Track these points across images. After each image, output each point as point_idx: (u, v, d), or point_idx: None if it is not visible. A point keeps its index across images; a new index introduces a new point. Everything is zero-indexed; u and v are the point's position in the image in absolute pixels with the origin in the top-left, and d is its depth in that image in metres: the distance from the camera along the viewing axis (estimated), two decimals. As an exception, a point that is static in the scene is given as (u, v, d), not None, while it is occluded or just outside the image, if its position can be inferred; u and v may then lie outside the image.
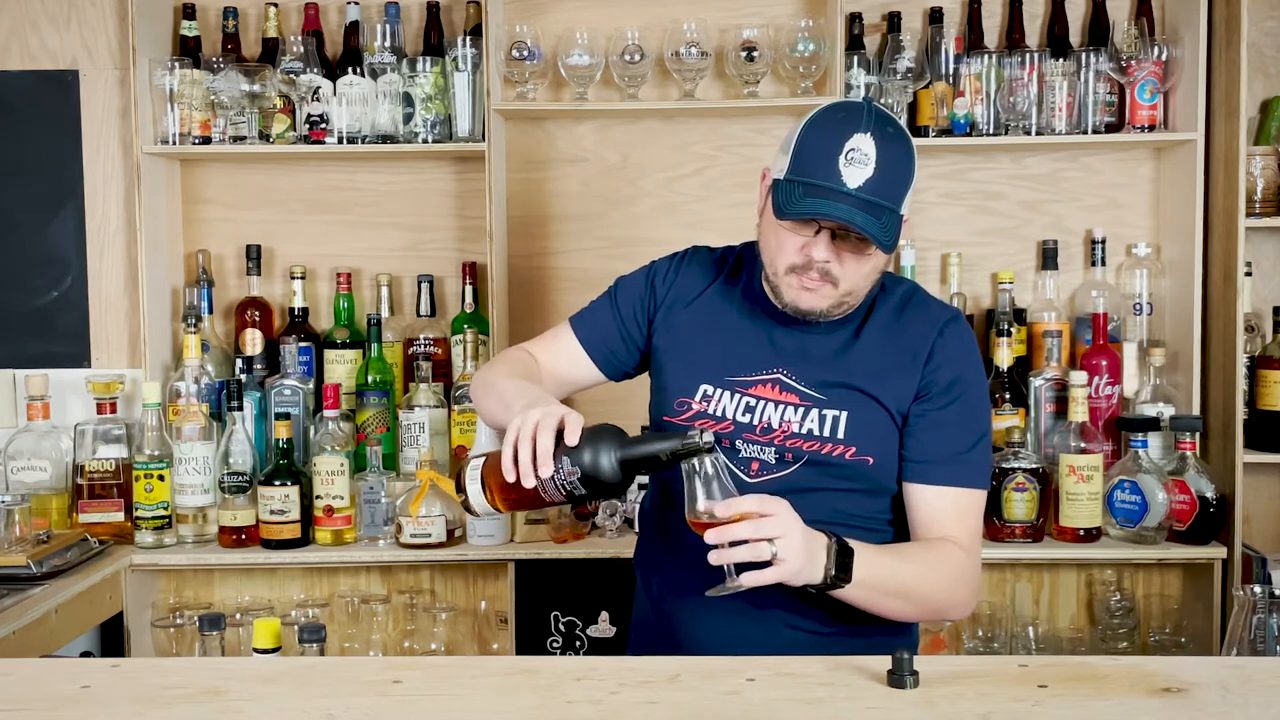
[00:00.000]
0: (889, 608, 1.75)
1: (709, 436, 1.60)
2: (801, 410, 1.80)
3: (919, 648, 1.98)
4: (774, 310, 1.84)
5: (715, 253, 1.98)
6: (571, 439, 1.61)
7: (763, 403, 1.82)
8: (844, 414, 1.80)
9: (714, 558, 1.59)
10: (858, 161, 1.68)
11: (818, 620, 1.80)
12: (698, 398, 1.84)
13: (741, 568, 1.60)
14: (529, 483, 1.60)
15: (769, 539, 1.58)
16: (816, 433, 1.79)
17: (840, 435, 1.79)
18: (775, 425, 1.80)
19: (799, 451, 1.79)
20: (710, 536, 1.59)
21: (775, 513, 1.59)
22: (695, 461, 1.60)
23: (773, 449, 1.80)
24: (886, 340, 1.83)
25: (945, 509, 1.81)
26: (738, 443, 1.81)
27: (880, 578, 1.70)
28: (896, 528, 1.86)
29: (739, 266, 1.93)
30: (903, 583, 1.74)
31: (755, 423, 1.81)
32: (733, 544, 1.59)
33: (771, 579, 1.59)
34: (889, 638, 1.79)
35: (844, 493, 1.81)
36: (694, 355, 1.88)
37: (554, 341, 2.00)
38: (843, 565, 1.65)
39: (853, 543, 1.68)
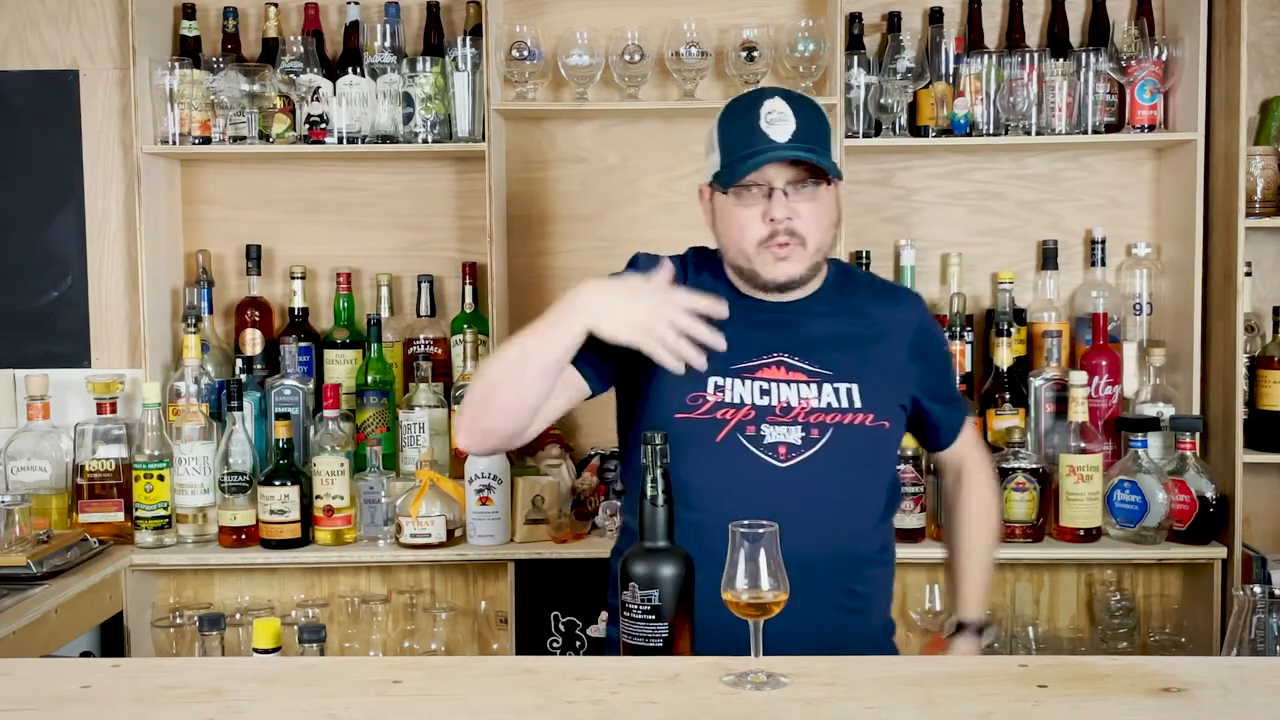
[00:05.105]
0: None
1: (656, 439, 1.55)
2: (814, 385, 1.84)
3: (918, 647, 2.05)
4: (749, 301, 1.88)
5: (669, 257, 1.92)
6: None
7: (775, 384, 1.84)
8: (855, 385, 1.85)
9: None
10: (778, 120, 1.78)
11: (847, 608, 1.86)
12: (710, 389, 1.84)
13: None
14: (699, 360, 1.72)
15: None
16: (836, 405, 1.83)
17: (858, 404, 1.84)
18: (794, 403, 1.83)
19: (824, 425, 1.82)
20: None
21: None
22: None
23: (798, 427, 1.82)
24: (868, 307, 1.93)
25: (965, 443, 2.11)
26: (763, 427, 1.82)
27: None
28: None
29: (699, 268, 1.96)
30: (989, 566, 2.11)
31: (774, 404, 1.83)
32: None
33: None
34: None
35: (867, 464, 1.86)
36: None
37: None
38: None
39: (970, 600, 2.05)
